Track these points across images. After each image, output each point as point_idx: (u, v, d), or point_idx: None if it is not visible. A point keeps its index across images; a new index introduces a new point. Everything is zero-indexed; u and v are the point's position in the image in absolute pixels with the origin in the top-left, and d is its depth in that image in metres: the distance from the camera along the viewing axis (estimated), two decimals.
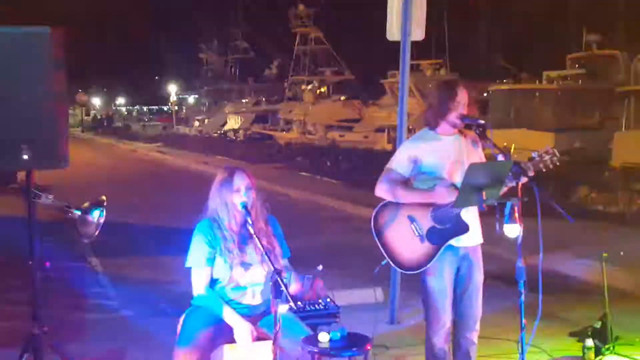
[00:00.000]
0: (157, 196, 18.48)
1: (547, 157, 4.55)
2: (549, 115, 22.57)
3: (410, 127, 25.89)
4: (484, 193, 4.32)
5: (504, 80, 27.96)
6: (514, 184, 4.45)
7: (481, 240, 4.87)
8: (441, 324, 4.77)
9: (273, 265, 3.97)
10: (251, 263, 4.42)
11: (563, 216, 4.30)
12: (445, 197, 4.56)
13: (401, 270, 4.76)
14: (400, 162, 4.77)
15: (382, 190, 4.76)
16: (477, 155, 4.85)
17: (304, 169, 24.12)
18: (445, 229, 4.63)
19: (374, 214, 4.79)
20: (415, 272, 4.70)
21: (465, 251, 4.78)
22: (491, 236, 4.74)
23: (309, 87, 49.30)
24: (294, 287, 4.47)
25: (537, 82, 25.54)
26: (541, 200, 4.21)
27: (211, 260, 4.38)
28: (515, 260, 4.31)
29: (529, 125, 21.71)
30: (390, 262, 4.72)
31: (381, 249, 4.73)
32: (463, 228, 4.63)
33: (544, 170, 4.56)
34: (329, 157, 24.53)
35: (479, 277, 4.86)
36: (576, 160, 17.40)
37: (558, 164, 4.58)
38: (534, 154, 4.58)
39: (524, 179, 4.40)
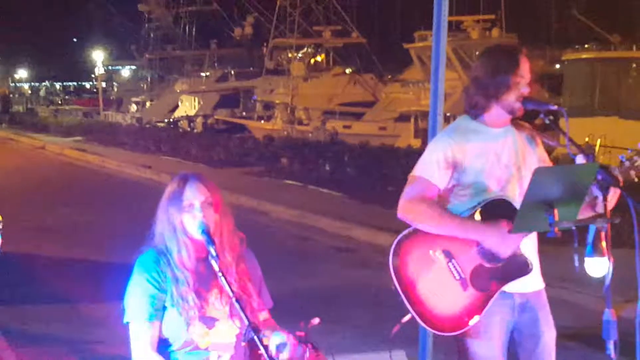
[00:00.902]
0: (77, 215, 18.42)
1: None
2: None
3: (448, 114, 26.08)
4: (555, 212, 4.31)
5: (585, 46, 28.02)
6: (599, 198, 4.44)
7: (541, 285, 4.87)
8: None
9: (247, 319, 3.96)
10: (216, 317, 4.37)
11: None
12: (496, 243, 4.53)
13: (434, 332, 4.73)
14: (431, 167, 4.74)
15: (407, 212, 4.72)
16: (535, 158, 4.83)
17: (291, 176, 24.08)
18: (497, 269, 4.62)
19: (394, 245, 4.73)
20: (454, 333, 4.68)
21: (523, 299, 4.77)
22: (565, 275, 4.76)
23: (299, 54, 49.31)
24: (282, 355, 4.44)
25: (634, 48, 25.58)
26: None
27: (159, 312, 4.34)
28: (600, 311, 4.29)
29: (622, 112, 21.72)
30: (418, 319, 4.68)
31: (403, 298, 4.68)
32: (524, 266, 4.63)
33: (637, 179, 4.53)
34: (327, 158, 24.49)
35: (549, 335, 4.83)
36: None
37: None
38: (622, 157, 4.55)
39: (613, 192, 4.39)
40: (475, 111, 4.78)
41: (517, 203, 4.48)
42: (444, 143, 4.78)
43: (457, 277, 4.62)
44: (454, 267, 4.63)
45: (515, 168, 4.70)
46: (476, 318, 4.61)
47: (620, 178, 4.45)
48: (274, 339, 4.14)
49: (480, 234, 4.55)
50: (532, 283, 4.76)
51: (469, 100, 4.80)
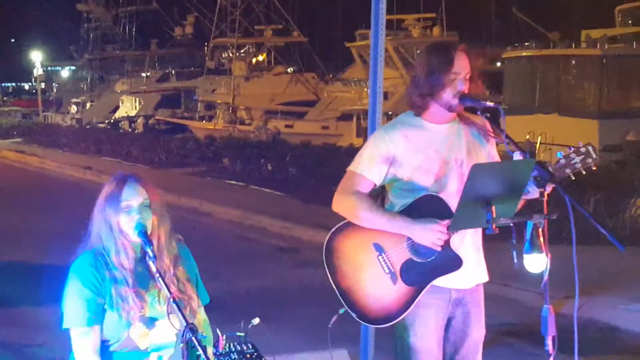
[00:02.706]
0: (15, 218, 18.23)
1: (576, 159, 4.47)
2: (591, 94, 22.83)
3: (390, 113, 26.14)
4: (493, 209, 4.34)
5: (525, 44, 28.21)
6: (536, 194, 4.45)
7: (485, 279, 4.88)
8: None
9: (185, 319, 3.94)
10: (156, 317, 4.35)
11: (610, 242, 4.32)
12: (423, 237, 4.54)
13: (364, 323, 4.78)
14: (367, 163, 4.77)
15: (339, 205, 4.78)
16: (485, 154, 4.84)
17: (233, 176, 24.05)
18: (426, 264, 4.63)
19: (327, 238, 4.79)
20: (383, 325, 4.72)
21: (459, 295, 4.79)
22: (504, 271, 4.77)
23: (241, 54, 49.18)
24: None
25: (573, 45, 25.82)
26: (577, 217, 4.23)
27: (98, 316, 4.27)
28: (539, 307, 4.34)
29: (561, 109, 21.92)
30: (350, 312, 4.73)
31: (336, 290, 4.74)
32: (453, 262, 4.63)
33: (573, 177, 4.52)
34: (269, 157, 24.48)
35: (477, 332, 4.88)
36: (630, 159, 17.61)
37: (594, 167, 4.51)
38: (559, 154, 4.55)
39: (550, 188, 4.38)
40: (415, 110, 4.79)
41: (455, 199, 4.49)
42: (381, 138, 4.81)
43: (387, 271, 4.66)
44: (384, 260, 4.68)
45: (457, 164, 4.70)
46: (405, 311, 4.64)
47: (556, 175, 4.43)
48: None
49: (409, 229, 4.58)
50: (470, 279, 4.78)
51: (409, 99, 4.80)
